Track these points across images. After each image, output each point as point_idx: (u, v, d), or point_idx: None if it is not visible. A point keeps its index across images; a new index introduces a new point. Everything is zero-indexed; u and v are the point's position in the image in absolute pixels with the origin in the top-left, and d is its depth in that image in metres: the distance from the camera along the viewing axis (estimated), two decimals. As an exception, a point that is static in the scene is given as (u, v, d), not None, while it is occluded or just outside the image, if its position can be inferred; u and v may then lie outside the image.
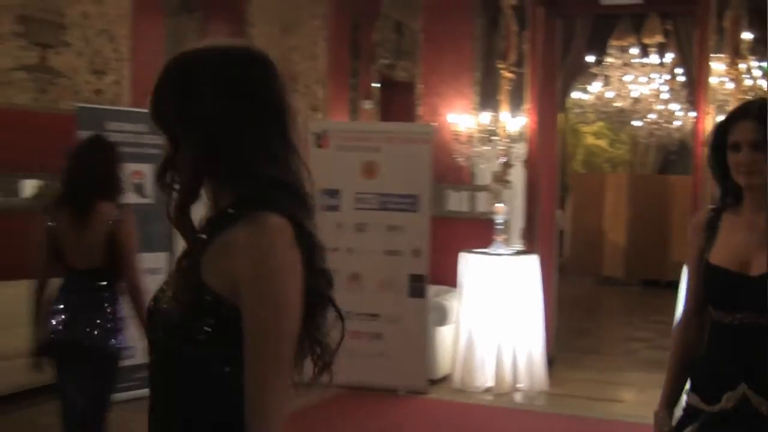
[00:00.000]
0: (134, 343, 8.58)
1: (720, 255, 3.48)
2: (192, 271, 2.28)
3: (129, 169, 8.53)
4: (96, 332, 5.18)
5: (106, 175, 5.27)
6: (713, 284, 3.51)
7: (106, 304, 5.27)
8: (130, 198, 8.56)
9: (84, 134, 8.29)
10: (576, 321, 14.10)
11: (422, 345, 9.28)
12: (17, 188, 9.40)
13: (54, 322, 5.24)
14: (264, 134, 2.28)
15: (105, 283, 5.27)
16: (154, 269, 8.77)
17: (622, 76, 16.95)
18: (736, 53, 9.55)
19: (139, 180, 8.72)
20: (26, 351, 7.01)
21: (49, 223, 5.25)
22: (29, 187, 9.45)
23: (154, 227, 8.78)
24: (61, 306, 5.25)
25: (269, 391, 2.20)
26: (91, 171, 5.25)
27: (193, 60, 2.40)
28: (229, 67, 2.33)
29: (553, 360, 10.30)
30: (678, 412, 3.65)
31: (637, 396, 9.58)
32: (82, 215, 5.18)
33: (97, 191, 5.23)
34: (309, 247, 2.30)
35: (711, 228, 3.56)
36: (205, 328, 2.22)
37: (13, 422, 7.89)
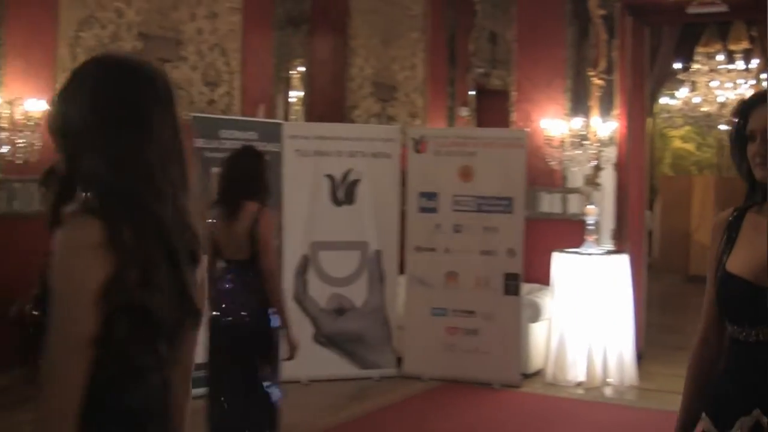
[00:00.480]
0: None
1: (737, 261, 2.93)
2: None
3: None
4: (246, 313, 5.74)
5: (251, 179, 5.84)
6: (727, 295, 2.95)
7: (254, 290, 5.74)
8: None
9: (199, 141, 8.55)
10: (664, 318, 13.93)
11: (516, 341, 9.29)
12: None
13: (215, 305, 5.78)
14: (112, 144, 2.22)
15: (252, 272, 5.75)
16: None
17: (708, 81, 16.74)
18: (821, 59, 9.39)
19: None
20: None
21: (209, 220, 5.85)
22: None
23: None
24: (222, 291, 5.80)
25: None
26: (239, 175, 5.86)
27: (78, 69, 2.32)
28: (97, 78, 2.26)
29: (642, 355, 10.21)
30: None
31: (724, 390, 9.43)
32: (231, 213, 5.77)
33: (244, 193, 5.80)
34: (126, 255, 2.13)
35: (732, 230, 3.01)
36: None
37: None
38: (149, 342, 2.23)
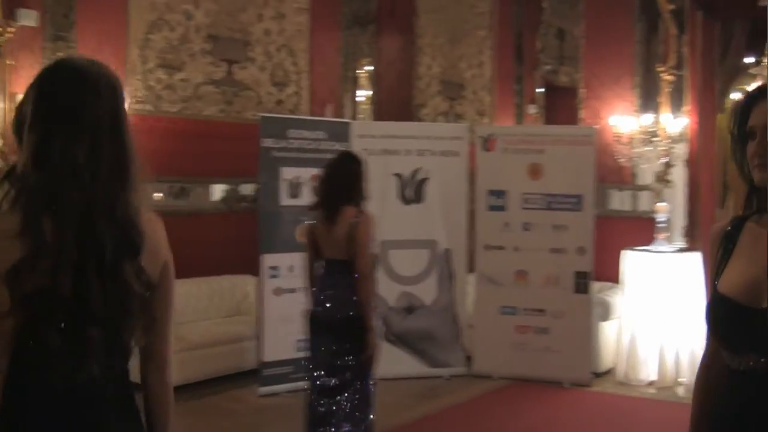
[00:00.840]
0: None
1: (729, 280, 2.50)
2: None
3: (308, 173, 8.77)
4: (341, 307, 6.00)
5: (351, 184, 6.07)
6: (716, 319, 2.53)
7: (350, 287, 5.98)
8: (309, 200, 8.79)
9: (267, 141, 8.56)
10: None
11: (586, 339, 9.18)
12: (208, 192, 9.68)
13: (315, 299, 6.14)
14: (39, 139, 2.34)
15: (349, 272, 5.98)
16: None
17: (780, 76, 16.39)
18: None
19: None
20: (219, 340, 7.42)
21: (310, 222, 6.29)
22: (218, 191, 9.72)
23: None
24: (320, 287, 6.12)
25: None
26: (340, 180, 6.10)
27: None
28: (40, 78, 2.41)
29: (715, 354, 10.03)
30: None
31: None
32: (331, 216, 6.02)
33: (343, 197, 6.04)
34: (39, 244, 2.27)
35: (728, 243, 2.57)
36: None
37: (203, 406, 8.12)
38: (55, 323, 2.31)
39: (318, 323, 6.10)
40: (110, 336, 2.43)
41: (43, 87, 2.38)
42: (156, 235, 2.57)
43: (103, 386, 2.49)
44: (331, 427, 6.09)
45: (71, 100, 2.36)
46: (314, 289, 6.19)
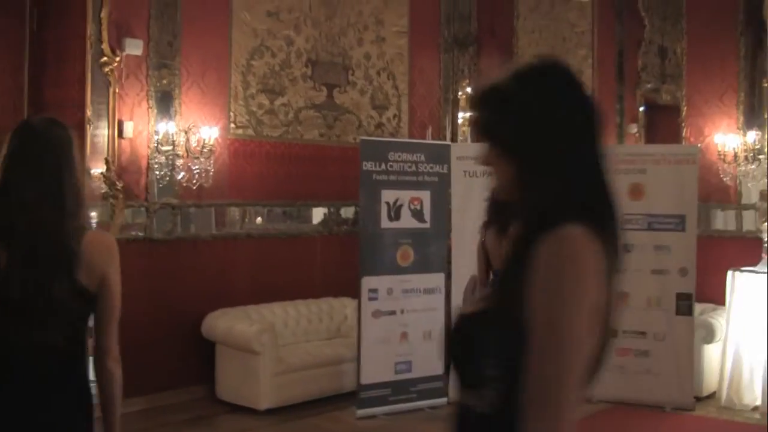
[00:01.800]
0: (411, 358, 8.75)
1: None
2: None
3: (408, 195, 8.71)
4: None
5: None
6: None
7: None
8: (410, 223, 8.73)
9: (368, 164, 8.52)
10: None
11: (689, 362, 8.92)
12: (309, 215, 9.71)
13: None
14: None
15: None
16: (431, 289, 8.87)
17: None
18: None
19: (418, 206, 8.80)
20: (319, 362, 7.49)
21: (482, 239, 6.55)
22: (319, 214, 9.73)
23: (431, 250, 8.89)
24: None
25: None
26: (509, 203, 6.02)
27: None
28: (9, 135, 3.18)
29: (824, 378, 9.69)
30: None
31: None
32: (503, 232, 5.89)
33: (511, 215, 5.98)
34: None
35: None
36: None
37: (303, 427, 8.13)
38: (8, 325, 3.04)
39: None
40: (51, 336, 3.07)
41: (8, 142, 3.10)
42: (94, 253, 3.12)
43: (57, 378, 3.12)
44: None
45: (25, 151, 3.09)
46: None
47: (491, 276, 6.53)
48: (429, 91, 10.75)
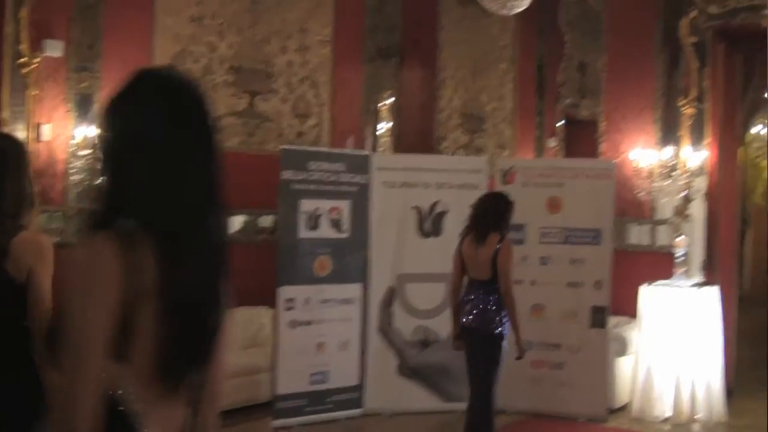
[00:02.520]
0: (327, 369, 8.70)
1: None
2: None
3: (327, 205, 8.67)
4: (485, 323, 6.88)
5: (499, 217, 7.08)
6: None
7: (493, 305, 6.89)
8: (328, 233, 8.68)
9: (287, 173, 8.45)
10: (755, 352, 13.43)
11: (602, 374, 9.00)
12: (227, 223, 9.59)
13: (463, 317, 7.03)
14: None
15: (491, 290, 6.90)
16: (348, 299, 8.82)
17: (803, 110, 16.17)
18: None
19: (337, 216, 8.75)
20: (234, 372, 7.55)
21: (459, 246, 7.18)
22: (237, 222, 9.63)
23: (349, 260, 8.85)
24: (467, 305, 7.00)
25: None
26: (491, 213, 7.10)
27: None
28: None
29: (732, 391, 9.82)
30: None
31: (818, 427, 9.03)
32: (479, 242, 6.98)
33: (490, 227, 7.01)
34: None
35: None
36: None
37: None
38: None
39: (469, 338, 7.03)
40: None
41: None
42: (23, 250, 3.63)
43: None
44: None
45: None
46: (463, 303, 7.07)
47: (469, 283, 7.10)
48: (351, 101, 10.70)
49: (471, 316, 6.96)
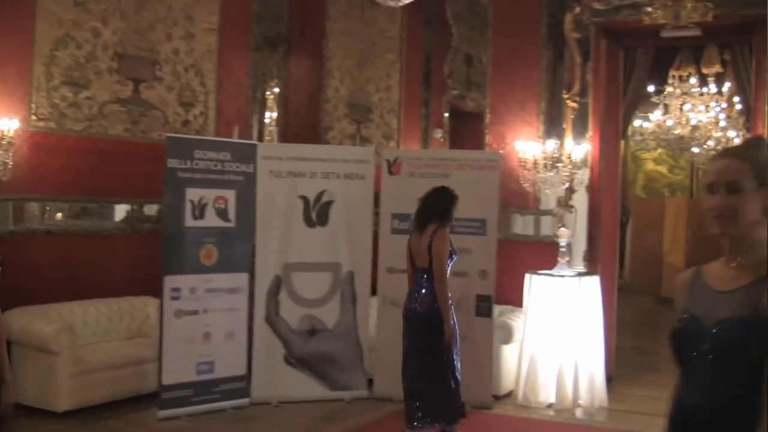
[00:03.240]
0: (213, 359, 8.64)
1: None
2: None
3: (213, 194, 8.60)
4: (426, 307, 7.37)
5: (440, 209, 7.48)
6: None
7: (427, 290, 7.39)
8: (214, 222, 8.61)
9: (173, 162, 8.36)
10: (635, 339, 13.82)
11: (488, 362, 9.13)
12: (111, 212, 9.45)
13: (410, 301, 7.54)
14: None
15: (431, 276, 7.35)
16: (235, 288, 8.77)
17: (681, 104, 16.61)
18: (791, 82, 9.31)
19: (223, 205, 8.70)
20: (119, 363, 8.29)
21: (409, 240, 7.66)
22: (121, 211, 9.49)
23: (236, 249, 8.80)
24: (414, 291, 7.52)
25: None
26: (433, 206, 7.53)
27: None
28: None
29: (613, 377, 10.09)
30: None
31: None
32: (420, 232, 7.46)
33: (429, 218, 7.45)
34: None
35: None
36: None
37: (101, 430, 7.91)
38: None
39: (409, 317, 7.52)
40: None
41: None
42: None
43: None
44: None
45: None
46: (412, 289, 7.55)
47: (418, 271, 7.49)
48: (237, 90, 10.63)
49: (415, 302, 7.46)
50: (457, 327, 7.49)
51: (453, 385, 7.51)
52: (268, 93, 10.98)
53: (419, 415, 7.51)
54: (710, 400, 2.75)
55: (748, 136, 12.50)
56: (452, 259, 7.48)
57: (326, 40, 11.45)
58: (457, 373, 7.52)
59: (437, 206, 7.50)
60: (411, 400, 7.55)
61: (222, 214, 8.72)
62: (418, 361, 7.48)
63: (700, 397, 2.78)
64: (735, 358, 2.69)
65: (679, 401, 2.89)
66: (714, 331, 2.75)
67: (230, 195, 8.79)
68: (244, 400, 8.81)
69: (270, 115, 11.02)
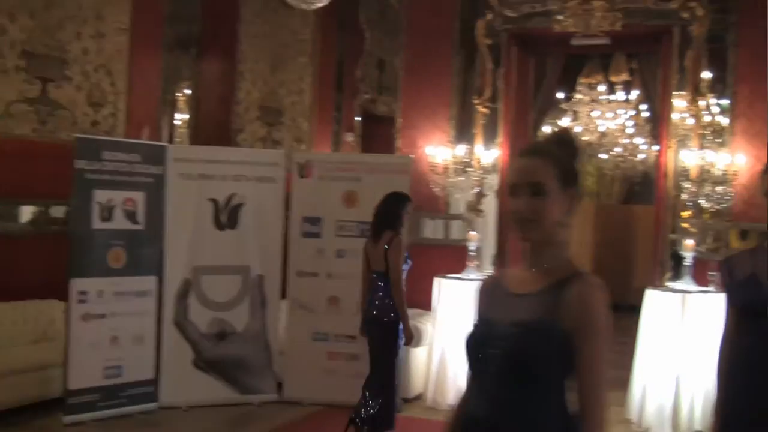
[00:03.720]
0: (121, 363, 8.54)
1: None
2: None
3: (122, 196, 8.51)
4: (383, 312, 7.53)
5: (393, 215, 7.66)
6: None
7: (384, 294, 7.56)
8: (123, 224, 8.52)
9: (81, 163, 8.25)
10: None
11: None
12: (17, 214, 9.27)
13: (368, 305, 7.67)
14: None
15: (387, 282, 7.53)
16: (143, 292, 8.69)
17: (590, 111, 16.89)
18: (696, 91, 9.53)
19: (132, 207, 8.61)
20: (24, 368, 8.12)
21: (365, 245, 7.84)
22: (27, 213, 9.32)
23: (144, 252, 8.71)
24: (371, 296, 7.65)
25: None
26: (387, 212, 7.70)
27: None
28: None
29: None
30: None
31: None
32: (376, 238, 7.66)
33: (384, 224, 7.64)
34: None
35: None
36: None
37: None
38: None
39: (368, 324, 7.66)
40: None
41: None
42: None
43: None
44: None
45: None
46: (370, 294, 7.70)
47: (374, 276, 7.66)
48: (148, 91, 10.53)
49: (372, 306, 7.61)
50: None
51: (395, 394, 7.73)
52: (179, 94, 10.92)
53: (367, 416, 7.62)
54: (494, 411, 2.65)
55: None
56: (408, 264, 7.69)
57: (239, 42, 11.41)
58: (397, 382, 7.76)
59: (388, 215, 7.67)
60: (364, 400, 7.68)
61: (131, 216, 8.63)
62: (378, 368, 7.64)
63: (485, 408, 2.67)
64: (523, 364, 2.59)
65: (465, 412, 2.81)
66: (505, 333, 2.66)
67: (139, 197, 8.71)
68: (153, 405, 8.73)
69: (181, 117, 10.96)
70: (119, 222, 8.54)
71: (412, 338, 7.69)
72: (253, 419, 8.74)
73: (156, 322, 8.82)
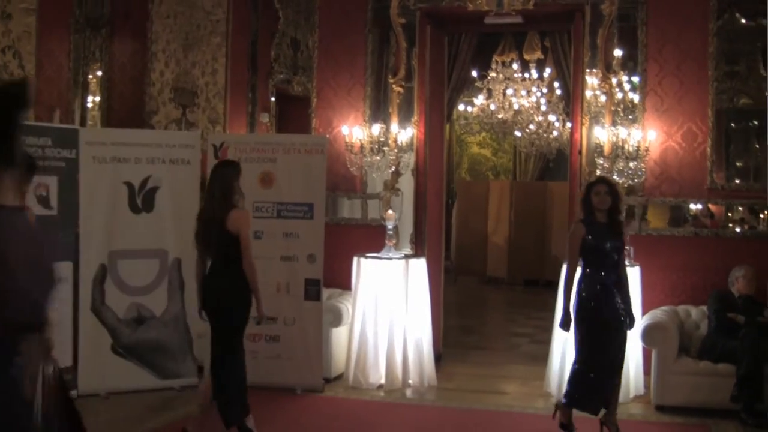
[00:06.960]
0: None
1: None
2: None
3: (34, 181, 8.37)
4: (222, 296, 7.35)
5: (226, 188, 7.38)
6: None
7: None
8: (35, 209, 8.40)
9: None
10: (462, 319, 14.17)
11: (318, 346, 9.23)
12: None
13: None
14: None
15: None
16: (58, 278, 8.56)
17: (504, 89, 17.10)
18: (607, 68, 9.70)
19: (44, 192, 8.51)
20: None
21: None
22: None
23: (59, 238, 8.60)
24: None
25: None
26: (216, 186, 7.45)
27: None
28: None
29: (441, 356, 10.37)
30: None
31: (520, 388, 9.68)
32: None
33: (221, 199, 7.36)
34: None
35: None
36: None
37: None
38: None
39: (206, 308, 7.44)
40: None
41: None
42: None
43: None
44: None
45: None
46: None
47: None
48: (58, 73, 10.37)
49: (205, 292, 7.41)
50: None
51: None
52: (90, 76, 10.77)
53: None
54: None
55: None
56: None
57: (150, 22, 11.27)
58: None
59: (223, 185, 7.42)
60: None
61: (43, 201, 8.53)
62: (226, 351, 7.47)
63: None
64: None
65: None
66: None
67: (52, 182, 8.61)
68: (72, 393, 8.65)
69: (92, 99, 10.82)
70: (32, 207, 8.41)
71: (264, 317, 7.64)
72: (176, 404, 8.71)
73: (72, 309, 8.74)
